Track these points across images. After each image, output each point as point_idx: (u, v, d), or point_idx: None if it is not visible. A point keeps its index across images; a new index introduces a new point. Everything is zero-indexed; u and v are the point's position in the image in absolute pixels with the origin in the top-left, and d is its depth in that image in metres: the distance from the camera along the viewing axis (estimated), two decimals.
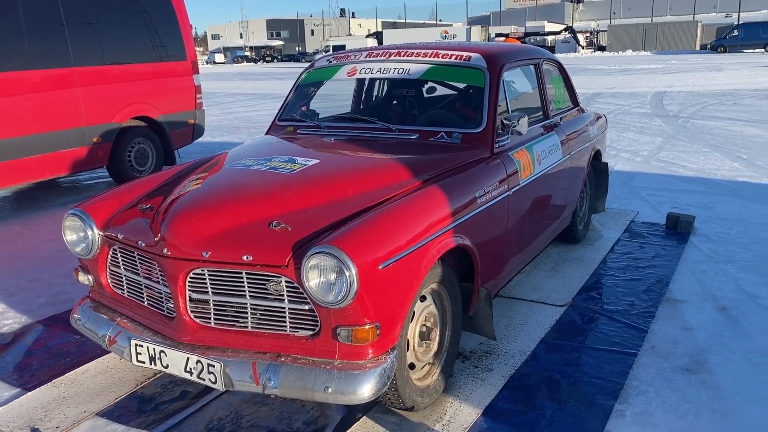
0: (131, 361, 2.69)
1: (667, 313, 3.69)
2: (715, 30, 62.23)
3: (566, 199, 4.33)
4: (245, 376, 2.42)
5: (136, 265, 2.76)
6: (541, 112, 4.07)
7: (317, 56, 58.56)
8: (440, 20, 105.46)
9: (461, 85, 3.94)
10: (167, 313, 2.67)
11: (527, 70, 4.05)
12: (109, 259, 2.90)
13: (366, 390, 2.33)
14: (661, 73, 26.46)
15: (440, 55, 3.66)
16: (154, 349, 2.61)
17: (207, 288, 2.51)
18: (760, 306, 3.77)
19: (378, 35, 66.73)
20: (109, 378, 3.15)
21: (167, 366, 2.59)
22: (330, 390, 2.32)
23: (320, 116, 4.00)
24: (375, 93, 4.41)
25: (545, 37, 63.79)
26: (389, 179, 2.85)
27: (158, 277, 2.64)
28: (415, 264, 2.48)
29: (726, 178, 7.16)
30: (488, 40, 66.53)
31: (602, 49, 60.54)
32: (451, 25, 79.00)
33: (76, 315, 3.03)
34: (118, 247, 2.81)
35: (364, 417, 2.75)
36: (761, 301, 3.84)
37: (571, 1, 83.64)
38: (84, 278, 3.00)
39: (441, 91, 4.28)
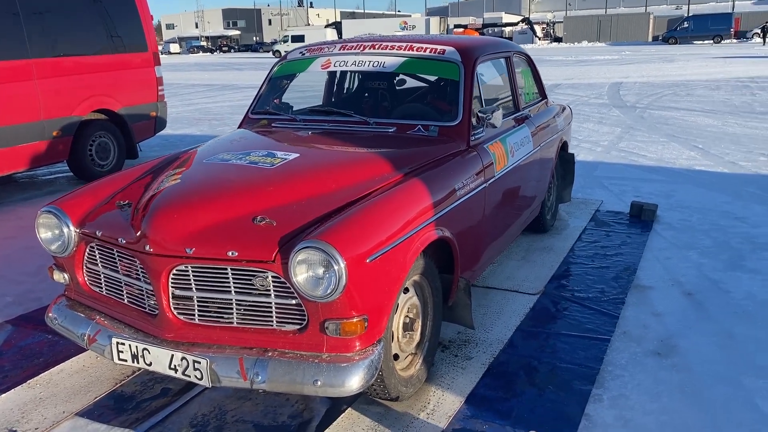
0: (112, 359, 2.65)
1: (636, 300, 3.81)
2: (666, 22, 63.88)
3: (536, 190, 4.42)
4: (232, 371, 2.42)
5: (115, 263, 2.72)
6: (512, 105, 4.13)
7: (275, 46, 57.74)
8: (399, 11, 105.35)
9: (435, 79, 3.97)
10: (149, 310, 2.64)
11: (498, 63, 4.11)
12: (86, 257, 2.85)
13: (354, 382, 2.35)
14: (616, 64, 27.02)
15: (414, 49, 3.69)
16: (136, 347, 2.58)
17: (191, 284, 2.50)
18: (722, 291, 3.92)
19: (337, 25, 66.29)
20: (86, 377, 3.10)
21: (150, 363, 2.57)
22: (319, 383, 2.34)
23: (294, 109, 3.98)
24: (348, 86, 4.41)
25: (503, 29, 64.38)
26: (370, 173, 2.87)
27: (139, 275, 2.61)
28: (400, 257, 2.51)
29: (684, 167, 7.39)
30: (447, 31, 66.83)
31: (558, 40, 61.44)
32: (410, 16, 78.99)
33: (51, 314, 2.97)
34: (96, 245, 2.77)
35: (349, 408, 2.77)
36: (723, 285, 3.99)
37: None
38: (59, 276, 2.95)
39: (412, 83, 4.31)
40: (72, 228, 2.79)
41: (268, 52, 62.35)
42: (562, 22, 64.43)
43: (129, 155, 7.93)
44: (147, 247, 2.47)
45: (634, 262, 4.42)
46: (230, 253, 2.39)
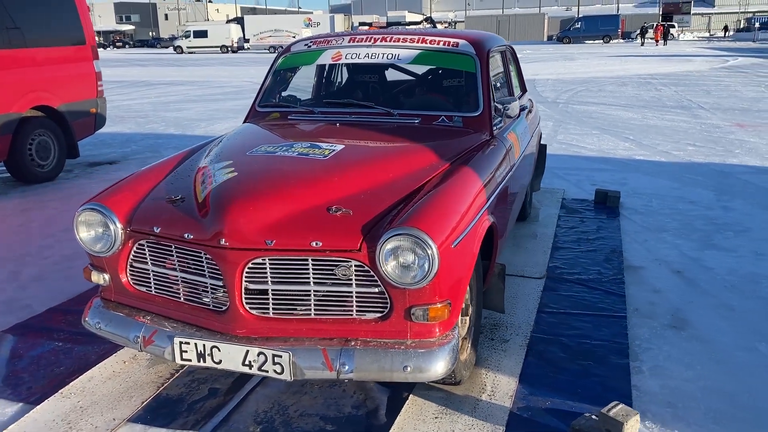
0: (174, 360, 2.56)
1: (633, 279, 4.06)
2: (558, 22, 67.11)
3: (528, 178, 4.60)
4: (317, 363, 2.40)
5: (171, 259, 2.62)
6: (510, 97, 4.28)
7: (177, 42, 55.66)
8: (300, 7, 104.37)
9: (446, 70, 4.03)
10: (213, 306, 2.57)
11: (498, 56, 4.23)
12: (131, 255, 2.71)
13: (440, 366, 2.40)
14: (523, 62, 27.98)
15: (428, 41, 3.75)
16: (203, 345, 2.50)
17: (266, 277, 2.45)
18: (706, 268, 4.25)
19: (239, 21, 64.89)
20: (121, 383, 2.96)
21: (220, 362, 2.50)
22: (409, 369, 2.37)
23: (302, 101, 3.94)
24: (349, 78, 4.39)
25: (406, 27, 65.40)
26: (420, 162, 2.91)
27: (204, 270, 2.53)
28: (472, 242, 2.57)
29: (625, 157, 7.86)
30: (352, 28, 67.07)
31: None
32: (312, 13, 78.53)
33: (88, 318, 2.81)
34: (147, 242, 2.65)
35: (412, 396, 2.81)
36: (705, 263, 4.33)
37: None
38: (98, 278, 2.79)
39: (393, 74, 4.35)
40: (118, 225, 2.66)
41: (168, 47, 59.81)
42: (463, 21, 66.23)
43: (69, 155, 7.49)
44: (222, 242, 2.40)
45: (617, 245, 4.69)
46: (313, 244, 2.37)
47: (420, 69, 4.30)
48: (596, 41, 53.03)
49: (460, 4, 79.28)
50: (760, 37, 51.19)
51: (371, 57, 3.79)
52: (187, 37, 54.04)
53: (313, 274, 2.43)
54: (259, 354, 2.44)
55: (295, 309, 2.49)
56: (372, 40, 3.84)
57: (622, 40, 54.92)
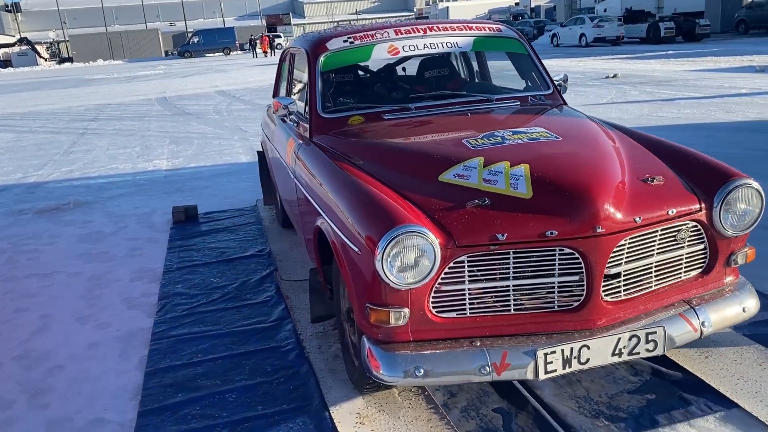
0: (536, 377, 2.29)
1: None
2: (171, 37, 66.38)
3: None
4: (684, 329, 2.43)
5: (500, 269, 2.28)
6: None
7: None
8: None
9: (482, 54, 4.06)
10: (559, 307, 2.34)
11: None
12: (440, 278, 2.26)
13: (755, 301, 2.63)
14: (178, 77, 27.39)
15: (474, 28, 3.75)
16: (570, 349, 2.30)
17: (621, 259, 2.36)
18: None
19: None
20: None
21: (587, 361, 2.34)
22: (746, 309, 2.57)
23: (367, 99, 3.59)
24: (397, 71, 4.06)
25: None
26: (604, 133, 2.99)
27: (555, 269, 2.29)
28: None
29: None
30: None
31: (68, 60, 57.50)
32: None
33: (387, 371, 2.25)
34: (469, 256, 2.24)
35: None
36: None
37: (8, 11, 76.47)
38: (397, 317, 2.24)
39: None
40: (437, 243, 2.19)
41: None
42: (67, 41, 60.53)
43: None
44: (598, 229, 2.23)
45: None
46: (670, 212, 2.39)
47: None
48: (217, 53, 54.05)
49: (54, 22, 72.12)
50: None
51: (432, 47, 3.62)
52: None
53: (658, 244, 2.43)
54: (631, 338, 2.35)
55: (638, 285, 2.45)
56: (423, 31, 3.65)
57: (240, 52, 57.03)
